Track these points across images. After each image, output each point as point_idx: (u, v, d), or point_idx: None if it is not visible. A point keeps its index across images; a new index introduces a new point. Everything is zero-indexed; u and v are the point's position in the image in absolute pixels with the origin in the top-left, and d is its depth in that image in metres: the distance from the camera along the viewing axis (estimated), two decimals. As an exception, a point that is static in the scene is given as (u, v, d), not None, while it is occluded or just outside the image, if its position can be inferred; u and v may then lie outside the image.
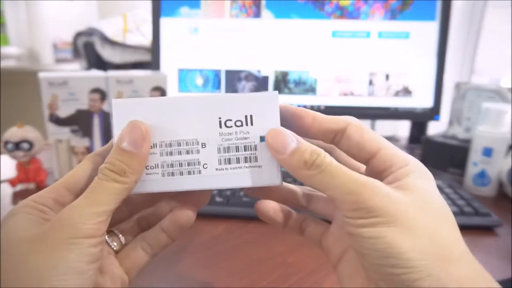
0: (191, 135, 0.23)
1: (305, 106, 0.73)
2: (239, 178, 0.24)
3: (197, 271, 0.42)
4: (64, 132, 0.64)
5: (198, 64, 0.72)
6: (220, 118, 0.23)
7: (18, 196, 0.60)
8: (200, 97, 0.23)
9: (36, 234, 0.21)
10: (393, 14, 0.70)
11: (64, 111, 0.63)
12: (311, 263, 0.43)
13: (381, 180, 0.23)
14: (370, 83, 0.72)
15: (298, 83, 0.72)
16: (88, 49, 1.29)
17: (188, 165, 0.24)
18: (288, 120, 0.25)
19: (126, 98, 0.23)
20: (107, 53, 1.28)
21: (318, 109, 0.73)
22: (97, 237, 0.21)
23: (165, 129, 0.23)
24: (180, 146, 0.23)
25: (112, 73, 0.65)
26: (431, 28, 0.71)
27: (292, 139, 0.23)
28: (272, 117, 0.23)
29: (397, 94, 0.72)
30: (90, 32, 1.28)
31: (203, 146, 0.23)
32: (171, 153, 0.23)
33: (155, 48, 0.72)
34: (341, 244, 0.26)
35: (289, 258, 0.44)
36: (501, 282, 0.42)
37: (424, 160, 0.77)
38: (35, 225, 0.22)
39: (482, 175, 0.63)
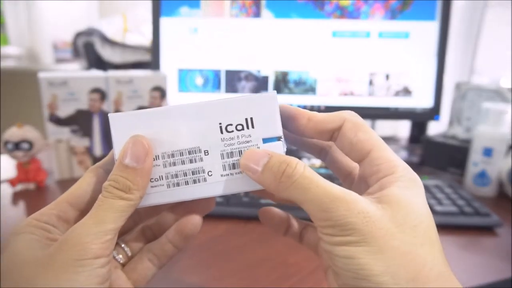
0: (192, 143, 0.23)
1: (305, 106, 0.73)
2: (245, 182, 0.24)
3: (197, 272, 0.42)
4: (64, 132, 0.64)
5: (198, 64, 0.72)
6: (220, 123, 0.23)
7: (18, 196, 0.60)
8: (198, 104, 0.23)
9: (42, 256, 0.20)
10: (393, 14, 0.70)
11: (64, 111, 0.63)
12: (311, 263, 0.43)
13: (368, 186, 0.23)
14: (370, 83, 0.72)
15: (298, 83, 0.72)
16: (88, 49, 1.29)
17: (192, 174, 0.23)
18: (284, 120, 0.24)
19: (122, 112, 0.23)
20: (107, 53, 1.28)
21: (318, 109, 0.73)
22: (105, 257, 0.21)
23: (165, 140, 0.23)
24: (182, 155, 0.23)
25: (112, 73, 0.65)
26: (431, 28, 0.71)
27: (263, 155, 0.22)
28: (273, 118, 0.23)
29: (397, 94, 0.72)
30: (90, 32, 1.29)
31: (206, 154, 0.23)
32: (174, 164, 0.23)
33: (155, 48, 0.72)
34: None
35: (289, 259, 0.44)
36: (501, 282, 0.42)
37: (424, 160, 0.77)
38: (41, 246, 0.21)
39: (482, 175, 0.63)
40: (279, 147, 0.23)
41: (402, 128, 0.99)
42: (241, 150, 0.23)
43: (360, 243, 0.19)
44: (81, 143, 0.65)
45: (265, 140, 0.23)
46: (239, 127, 0.23)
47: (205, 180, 0.23)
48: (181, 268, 0.42)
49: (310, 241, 0.29)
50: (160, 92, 0.67)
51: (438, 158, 0.75)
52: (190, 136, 0.23)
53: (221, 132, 0.23)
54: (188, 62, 0.72)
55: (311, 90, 0.72)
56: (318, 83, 0.72)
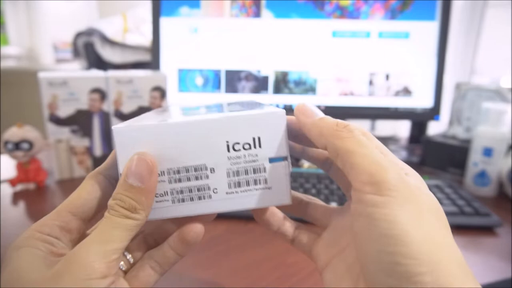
0: (199, 160, 0.23)
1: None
2: (250, 200, 0.24)
3: (197, 271, 0.42)
4: (64, 132, 0.64)
5: (198, 64, 0.72)
6: (227, 141, 0.22)
7: (18, 196, 0.60)
8: (206, 121, 0.22)
9: (49, 276, 0.20)
10: (393, 14, 0.70)
11: (64, 111, 0.63)
12: (311, 263, 0.43)
13: None
14: (370, 83, 0.72)
15: (298, 83, 0.72)
16: (88, 49, 1.29)
17: (198, 191, 0.23)
18: (289, 133, 0.25)
19: (127, 125, 0.22)
20: (107, 53, 1.28)
21: (318, 109, 0.73)
22: (112, 276, 0.21)
23: (172, 156, 0.22)
24: (188, 172, 0.23)
25: (112, 73, 0.65)
26: (431, 28, 0.71)
27: (319, 111, 0.24)
28: (280, 138, 0.23)
29: (397, 94, 0.72)
30: (90, 32, 1.29)
31: (212, 171, 0.23)
32: (180, 180, 0.23)
33: (155, 48, 0.72)
34: (332, 249, 0.26)
35: (289, 259, 0.44)
36: (501, 282, 0.42)
37: (424, 160, 0.77)
38: (46, 263, 0.21)
39: (482, 175, 0.63)
40: (285, 168, 0.23)
41: (402, 128, 0.99)
42: (247, 169, 0.23)
43: (401, 205, 0.19)
44: (81, 143, 0.65)
45: (271, 160, 0.23)
46: (246, 146, 0.23)
47: (210, 197, 0.23)
48: (181, 267, 0.42)
49: (303, 241, 0.29)
50: (160, 92, 0.67)
51: (438, 158, 0.75)
52: (196, 153, 0.22)
53: (228, 151, 0.23)
54: (188, 62, 0.72)
55: (311, 90, 0.72)
56: (318, 83, 0.72)
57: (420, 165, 0.77)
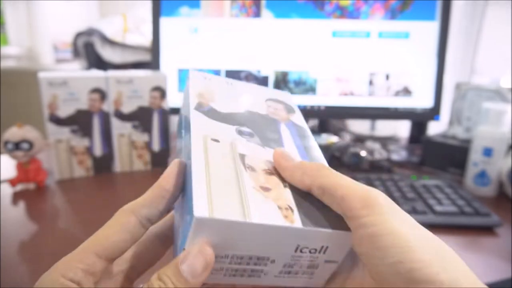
0: (265, 253, 0.23)
1: (305, 107, 0.73)
2: (288, 282, 0.25)
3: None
4: (64, 132, 0.64)
5: (198, 64, 0.72)
6: (298, 245, 0.24)
7: (18, 196, 0.59)
8: (288, 228, 0.23)
9: None
10: (393, 14, 0.70)
11: (64, 111, 0.63)
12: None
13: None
14: (370, 83, 0.72)
15: (298, 83, 0.72)
16: (88, 49, 1.29)
17: (251, 272, 0.24)
18: None
19: (209, 215, 0.21)
20: (107, 53, 1.28)
21: (318, 109, 0.73)
22: None
23: (240, 246, 0.23)
24: (251, 259, 0.24)
25: (112, 73, 0.65)
26: (431, 28, 0.71)
27: (294, 157, 0.26)
28: (343, 250, 0.24)
29: (397, 94, 0.72)
30: (90, 32, 1.29)
31: (272, 262, 0.24)
32: (239, 263, 0.24)
33: (155, 48, 0.72)
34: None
35: (289, 258, 0.44)
36: (501, 282, 0.42)
37: (424, 160, 0.77)
38: None
39: (482, 175, 0.63)
40: (335, 268, 0.25)
41: (402, 128, 0.99)
42: (302, 264, 0.24)
43: (393, 217, 0.21)
44: (81, 143, 0.65)
45: (327, 261, 0.25)
46: (313, 251, 0.24)
47: (258, 277, 0.25)
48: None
49: None
50: (160, 92, 0.67)
51: (438, 158, 0.75)
52: (265, 248, 0.23)
53: (295, 251, 0.24)
54: (188, 62, 0.72)
55: (311, 90, 0.72)
56: (318, 83, 0.72)
57: (420, 165, 0.77)
